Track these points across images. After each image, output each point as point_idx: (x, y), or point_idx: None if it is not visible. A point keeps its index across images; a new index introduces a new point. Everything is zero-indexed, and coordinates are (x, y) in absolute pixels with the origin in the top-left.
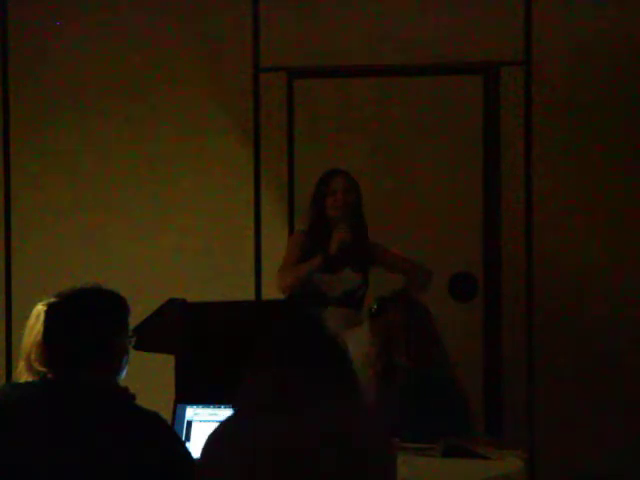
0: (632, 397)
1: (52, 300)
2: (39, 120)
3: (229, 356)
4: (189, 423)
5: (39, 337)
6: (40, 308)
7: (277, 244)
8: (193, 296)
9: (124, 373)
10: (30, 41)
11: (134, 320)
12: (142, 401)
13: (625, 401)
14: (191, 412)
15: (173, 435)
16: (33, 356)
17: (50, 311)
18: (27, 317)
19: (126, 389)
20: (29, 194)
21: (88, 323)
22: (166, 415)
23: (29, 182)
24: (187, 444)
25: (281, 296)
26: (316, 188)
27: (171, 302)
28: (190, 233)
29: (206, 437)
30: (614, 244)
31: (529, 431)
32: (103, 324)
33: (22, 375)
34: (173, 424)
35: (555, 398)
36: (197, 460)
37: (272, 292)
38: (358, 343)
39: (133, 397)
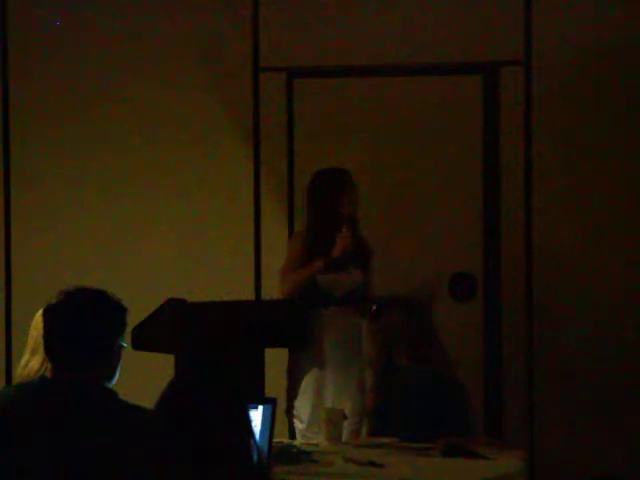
0: (632, 397)
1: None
2: (39, 120)
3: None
4: None
5: None
6: None
7: (277, 244)
8: (193, 296)
9: (115, 379)
10: (30, 41)
11: (134, 320)
12: (141, 401)
13: (625, 401)
14: None
15: None
16: None
17: (47, 312)
18: (27, 317)
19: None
20: (29, 194)
21: (85, 324)
22: None
23: (29, 182)
24: None
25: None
26: (324, 185)
27: (171, 302)
28: (190, 233)
29: None
30: (614, 244)
31: (529, 431)
32: (100, 325)
33: (33, 370)
34: None
35: (555, 398)
36: None
37: (272, 292)
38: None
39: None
